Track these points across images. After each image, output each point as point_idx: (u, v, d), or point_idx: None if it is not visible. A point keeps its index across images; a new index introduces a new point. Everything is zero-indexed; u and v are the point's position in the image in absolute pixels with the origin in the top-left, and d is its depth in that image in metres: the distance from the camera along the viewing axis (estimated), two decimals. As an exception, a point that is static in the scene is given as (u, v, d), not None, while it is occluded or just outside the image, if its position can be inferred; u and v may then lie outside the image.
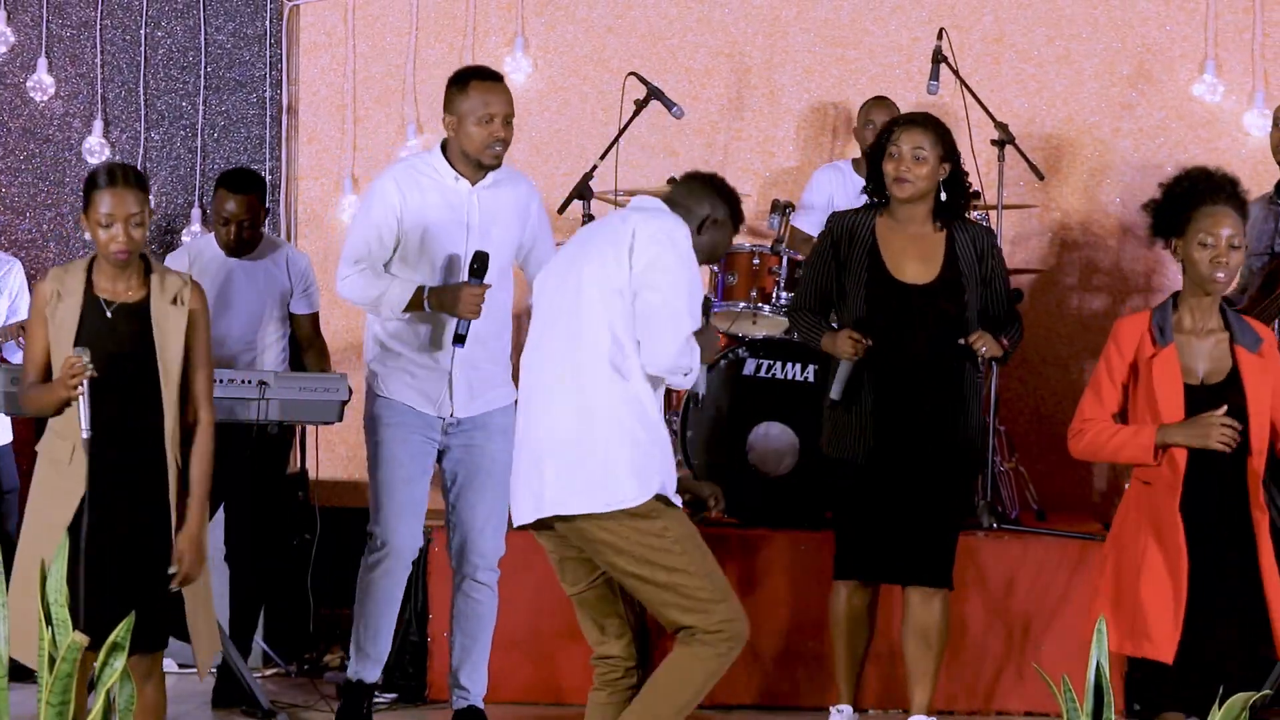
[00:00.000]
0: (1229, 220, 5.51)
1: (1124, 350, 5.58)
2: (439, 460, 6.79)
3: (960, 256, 6.50)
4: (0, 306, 8.20)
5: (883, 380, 6.44)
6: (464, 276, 6.53)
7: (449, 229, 6.57)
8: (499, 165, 6.62)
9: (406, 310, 6.54)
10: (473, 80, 6.56)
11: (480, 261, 6.45)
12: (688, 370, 5.42)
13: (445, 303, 6.47)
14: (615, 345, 5.36)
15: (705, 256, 5.58)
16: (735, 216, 5.66)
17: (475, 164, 6.59)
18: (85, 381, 5.40)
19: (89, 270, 5.64)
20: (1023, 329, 6.78)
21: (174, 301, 5.64)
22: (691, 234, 5.48)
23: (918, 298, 6.46)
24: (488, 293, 6.49)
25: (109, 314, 5.60)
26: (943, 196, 6.50)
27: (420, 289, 6.51)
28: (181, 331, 5.63)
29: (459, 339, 6.49)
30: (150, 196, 5.66)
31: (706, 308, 5.55)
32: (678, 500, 5.46)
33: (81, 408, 5.41)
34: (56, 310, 5.58)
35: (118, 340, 5.57)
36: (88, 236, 5.63)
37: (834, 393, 6.47)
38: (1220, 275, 5.49)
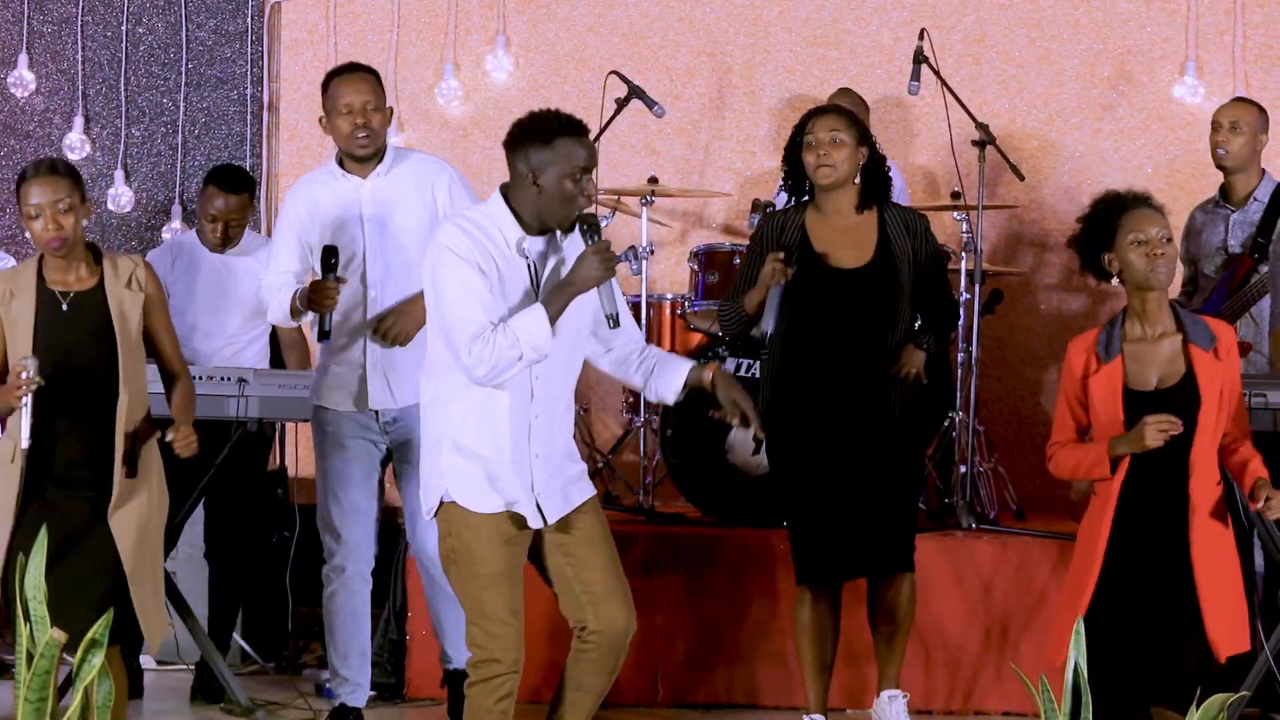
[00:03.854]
0: (1156, 218, 5.64)
1: (1074, 371, 5.74)
2: (387, 460, 6.78)
3: (893, 239, 6.49)
4: None
5: (819, 366, 6.42)
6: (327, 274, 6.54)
7: (344, 226, 6.59)
8: (370, 152, 6.62)
9: (292, 316, 6.61)
10: (333, 79, 6.67)
11: (331, 255, 6.47)
12: (491, 365, 5.15)
13: (305, 301, 6.51)
14: (438, 351, 5.36)
15: (557, 205, 5.27)
16: (553, 133, 5.24)
17: (351, 157, 6.64)
18: (29, 394, 5.48)
19: (39, 267, 5.72)
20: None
21: (129, 285, 5.75)
22: (531, 204, 5.29)
23: (849, 282, 6.44)
24: (408, 270, 6.47)
25: (65, 305, 5.68)
26: (856, 181, 6.49)
27: (296, 293, 6.57)
28: (138, 312, 5.75)
29: (322, 334, 6.49)
30: (83, 188, 5.75)
31: (593, 223, 5.31)
32: (500, 505, 5.31)
33: (23, 419, 5.50)
34: (11, 307, 5.66)
35: (76, 329, 5.65)
36: (29, 235, 5.72)
37: (766, 324, 6.31)
38: (1161, 268, 5.60)
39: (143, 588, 5.68)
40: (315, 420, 6.76)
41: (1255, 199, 7.59)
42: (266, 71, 9.42)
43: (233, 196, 7.53)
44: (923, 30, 8.23)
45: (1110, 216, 5.68)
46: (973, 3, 9.26)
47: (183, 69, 9.40)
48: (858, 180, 6.48)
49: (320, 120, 6.70)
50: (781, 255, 6.33)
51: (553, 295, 5.22)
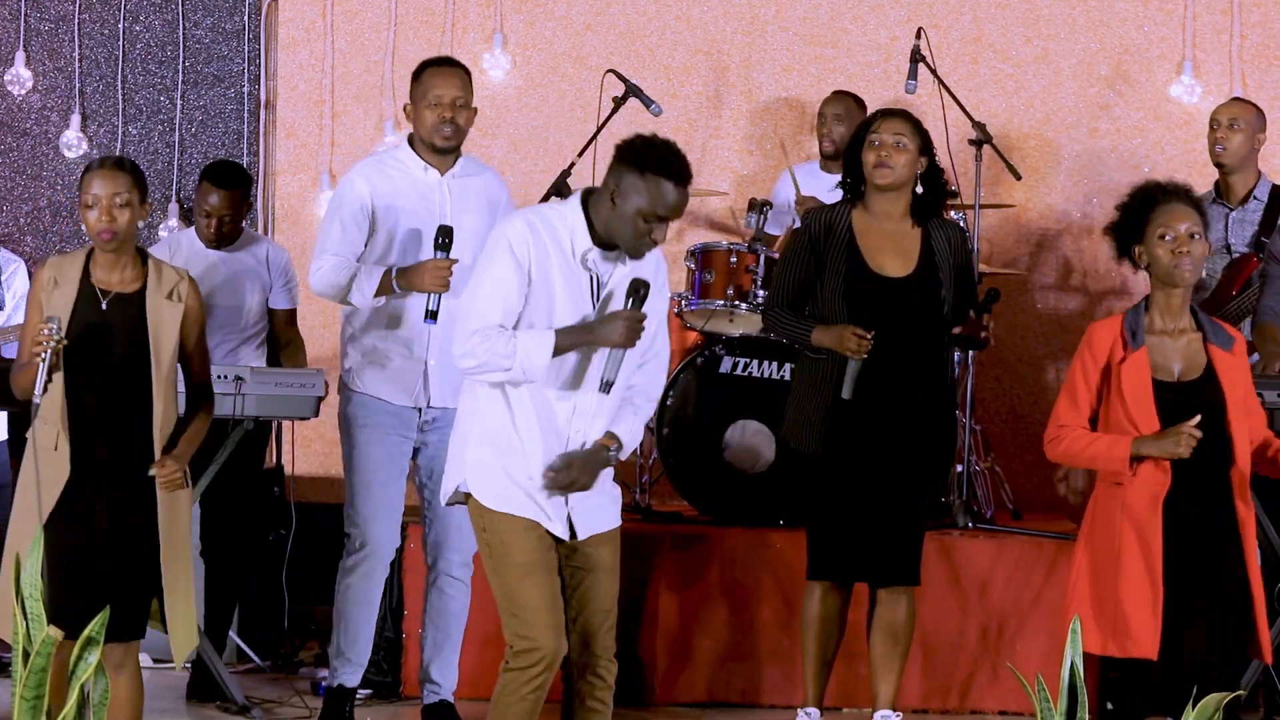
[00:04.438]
0: (1185, 214, 5.57)
1: (1097, 354, 5.60)
2: (414, 456, 6.79)
3: (936, 251, 6.52)
4: (6, 306, 8.18)
5: (860, 373, 6.43)
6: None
7: (420, 218, 6.59)
8: (451, 146, 6.66)
9: (377, 295, 6.53)
10: (427, 68, 6.72)
11: (445, 235, 6.42)
12: (479, 364, 5.18)
13: (412, 280, 6.43)
14: None
15: (623, 232, 5.27)
16: (650, 167, 5.24)
17: (432, 148, 6.65)
18: (49, 349, 5.46)
19: (87, 260, 5.72)
20: None
21: (170, 296, 5.73)
22: (604, 217, 5.28)
23: (896, 291, 6.46)
24: (461, 274, 6.44)
25: (104, 304, 5.67)
26: (919, 190, 6.52)
27: (388, 271, 6.49)
28: (176, 324, 5.73)
29: (430, 315, 6.42)
30: (144, 189, 5.73)
31: (643, 292, 5.35)
32: (519, 508, 5.28)
33: (40, 374, 5.47)
34: (52, 296, 5.66)
35: (112, 330, 5.64)
36: (83, 227, 5.72)
37: (845, 392, 6.38)
38: (1186, 264, 5.52)
39: (176, 598, 5.68)
40: (354, 411, 6.72)
41: (1255, 197, 7.60)
42: (264, 69, 9.41)
43: (224, 192, 7.53)
44: (920, 29, 8.23)
45: (1144, 209, 5.62)
46: (970, 2, 9.26)
47: (180, 67, 9.39)
48: (919, 189, 6.50)
49: (405, 108, 6.72)
50: (870, 335, 6.32)
51: (570, 331, 5.22)
